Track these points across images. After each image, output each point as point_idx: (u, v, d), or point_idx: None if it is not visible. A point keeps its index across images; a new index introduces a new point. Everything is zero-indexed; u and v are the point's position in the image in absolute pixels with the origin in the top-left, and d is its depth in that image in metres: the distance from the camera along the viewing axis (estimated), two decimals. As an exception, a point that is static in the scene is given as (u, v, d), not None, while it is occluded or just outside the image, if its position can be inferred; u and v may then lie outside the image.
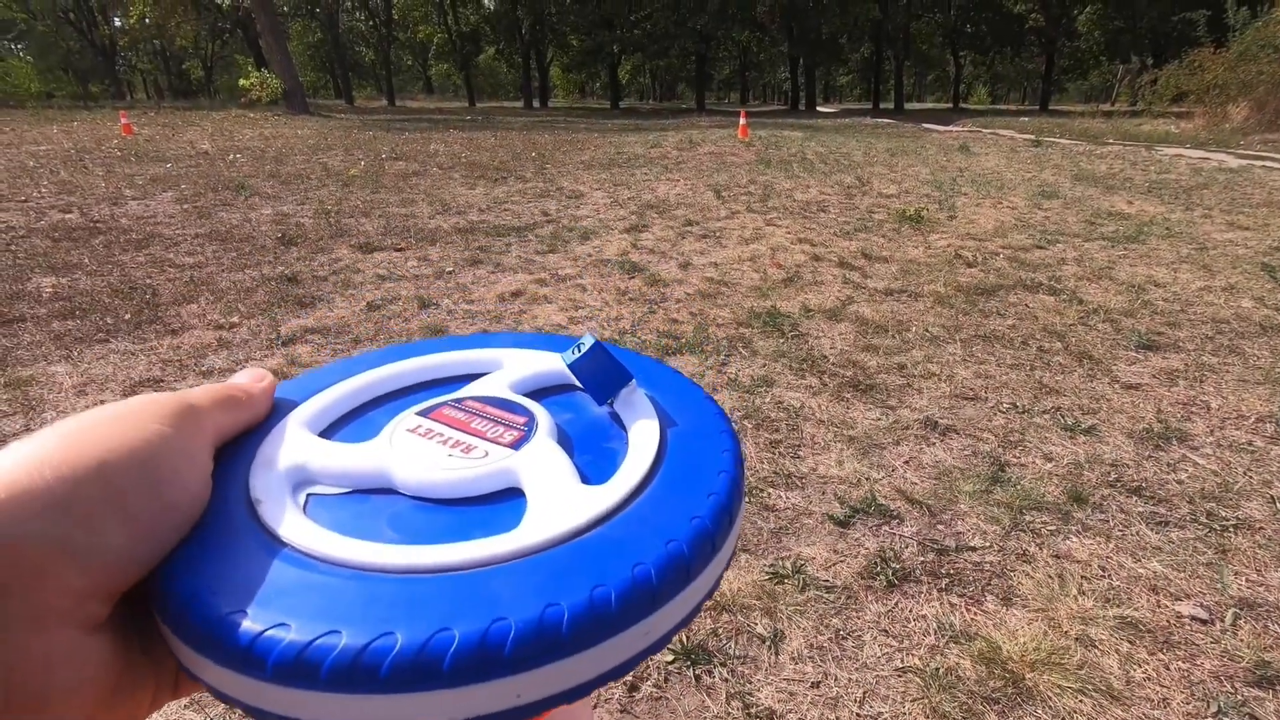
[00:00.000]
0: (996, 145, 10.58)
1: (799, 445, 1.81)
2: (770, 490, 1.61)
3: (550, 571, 0.20)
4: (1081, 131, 13.13)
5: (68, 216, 4.60)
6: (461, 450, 0.26)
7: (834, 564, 1.36)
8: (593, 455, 0.29)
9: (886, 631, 1.18)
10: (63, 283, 3.23)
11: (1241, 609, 1.23)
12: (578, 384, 0.33)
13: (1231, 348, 2.45)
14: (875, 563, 1.35)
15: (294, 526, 0.23)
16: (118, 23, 38.35)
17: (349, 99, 39.91)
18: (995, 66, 42.17)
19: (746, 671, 1.10)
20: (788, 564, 1.34)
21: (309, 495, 0.25)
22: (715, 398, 1.80)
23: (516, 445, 0.27)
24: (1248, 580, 1.31)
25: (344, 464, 0.26)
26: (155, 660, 0.21)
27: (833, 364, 2.33)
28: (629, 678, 1.07)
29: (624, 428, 0.30)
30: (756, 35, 35.26)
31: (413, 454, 0.26)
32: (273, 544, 0.22)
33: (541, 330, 2.02)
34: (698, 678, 1.09)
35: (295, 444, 0.27)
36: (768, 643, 1.15)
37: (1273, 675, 1.09)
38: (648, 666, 1.10)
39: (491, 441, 0.27)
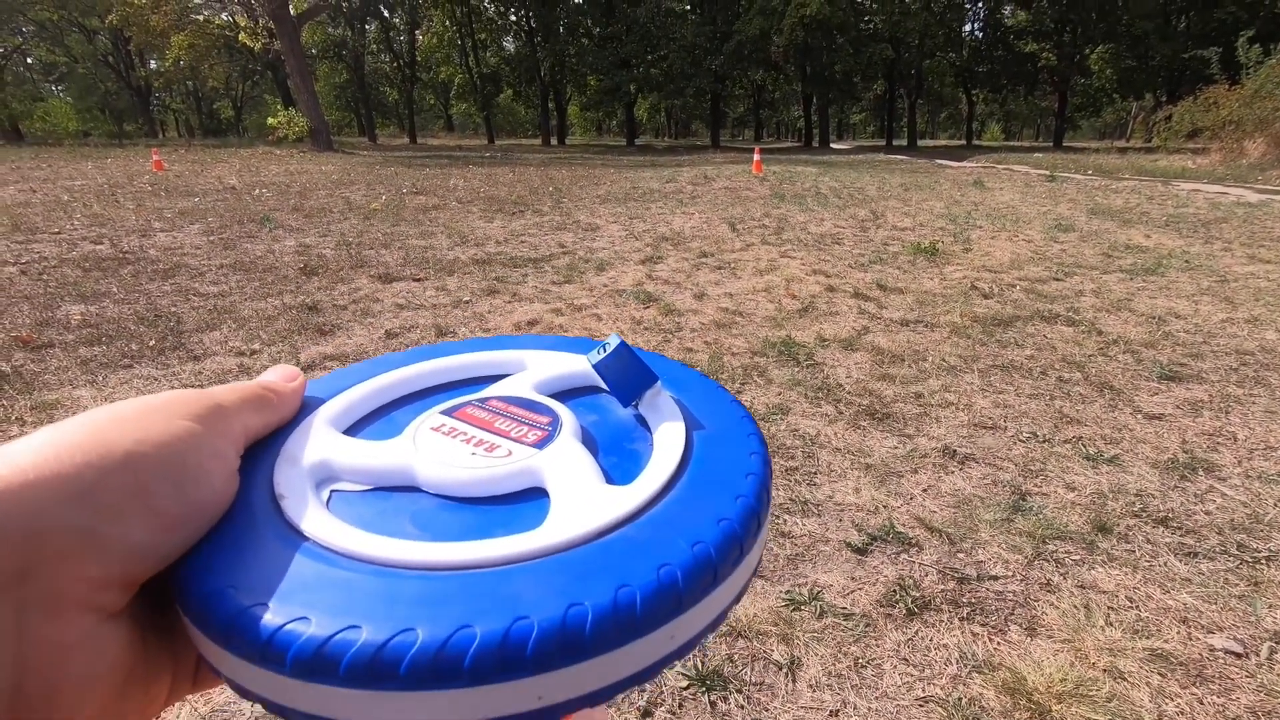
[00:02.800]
0: (1011, 180, 10.61)
1: (815, 473, 1.79)
2: (786, 517, 1.59)
3: (574, 572, 0.20)
4: (1096, 167, 13.15)
5: (98, 248, 4.74)
6: (485, 449, 0.27)
7: (852, 591, 1.33)
8: (617, 456, 0.29)
9: (907, 660, 1.15)
10: (91, 310, 3.30)
11: (1278, 642, 1.19)
12: (602, 385, 0.33)
13: (1257, 379, 2.41)
14: (894, 590, 1.32)
15: (316, 522, 0.23)
16: (153, 65, 39.93)
17: (372, 137, 41.06)
18: (1008, 104, 42.54)
19: (763, 699, 1.07)
20: (804, 591, 1.32)
21: (332, 491, 0.25)
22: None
23: (540, 445, 0.27)
24: (1283, 613, 1.27)
25: (367, 461, 0.26)
26: (173, 652, 0.21)
27: (849, 392, 2.31)
28: (643, 701, 1.04)
29: (649, 429, 0.30)
30: (771, 74, 35.90)
31: (436, 452, 0.26)
32: (295, 538, 0.22)
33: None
34: (713, 704, 1.06)
35: (319, 441, 0.27)
36: (784, 670, 1.12)
37: (1313, 712, 1.04)
38: (662, 691, 1.08)
39: (515, 441, 0.27)
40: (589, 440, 0.29)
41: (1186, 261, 4.29)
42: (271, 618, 0.18)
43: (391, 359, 0.35)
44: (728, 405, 0.31)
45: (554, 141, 37.79)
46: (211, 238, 5.19)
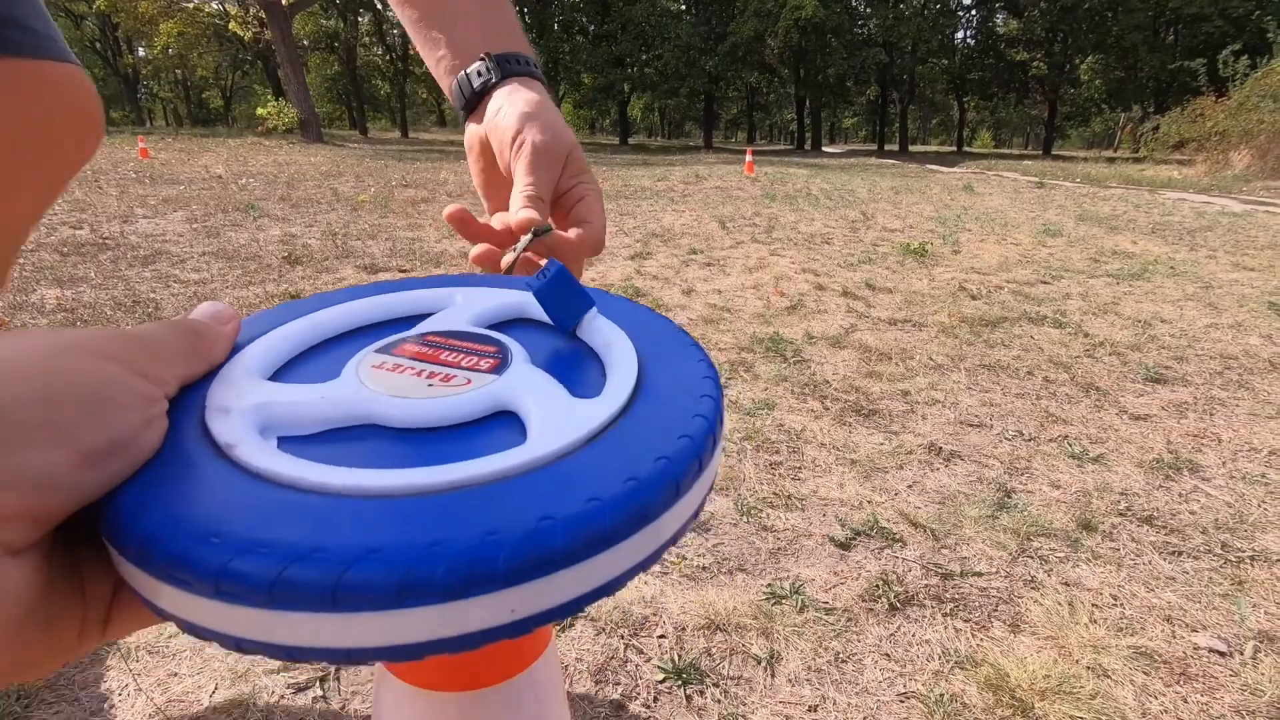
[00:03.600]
0: (1000, 186, 10.68)
1: (800, 468, 1.77)
2: (769, 511, 1.57)
3: (545, 487, 0.20)
4: (1085, 175, 13.27)
5: (78, 233, 4.65)
6: (441, 380, 0.26)
7: (834, 586, 1.31)
8: (575, 376, 0.28)
9: (888, 655, 1.13)
10: (67, 295, 3.23)
11: (1262, 642, 1.18)
12: (537, 318, 0.33)
13: (1241, 382, 2.41)
14: (877, 585, 1.30)
15: (266, 460, 0.21)
16: (141, 52, 39.47)
17: (363, 130, 40.74)
18: (999, 112, 42.89)
19: (740, 693, 1.04)
20: (786, 585, 1.29)
21: (280, 439, 0.24)
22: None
23: (497, 371, 0.26)
24: (1267, 613, 1.26)
25: (311, 404, 0.25)
26: (83, 596, 0.20)
27: (835, 389, 2.30)
28: (617, 694, 1.01)
29: (596, 353, 0.30)
30: (765, 76, 35.97)
31: (389, 386, 0.25)
32: (245, 476, 0.20)
33: None
34: (689, 698, 1.04)
35: (252, 388, 0.25)
36: (763, 664, 1.10)
37: (1296, 711, 1.03)
38: (637, 684, 1.05)
39: (470, 370, 0.26)
40: (543, 363, 0.28)
41: (1172, 268, 4.32)
42: (227, 548, 0.17)
43: (317, 299, 0.33)
44: (663, 324, 0.31)
45: (547, 139, 37.59)
46: (195, 225, 5.11)
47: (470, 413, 0.25)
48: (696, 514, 0.24)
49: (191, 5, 25.81)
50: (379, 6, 40.50)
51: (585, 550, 0.19)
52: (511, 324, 0.33)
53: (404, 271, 3.91)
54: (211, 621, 0.18)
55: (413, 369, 0.27)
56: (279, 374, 0.28)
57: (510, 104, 0.45)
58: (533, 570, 0.18)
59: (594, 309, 0.30)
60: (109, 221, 5.10)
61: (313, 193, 7.30)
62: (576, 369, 0.29)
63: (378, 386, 0.25)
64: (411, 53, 42.70)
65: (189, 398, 0.24)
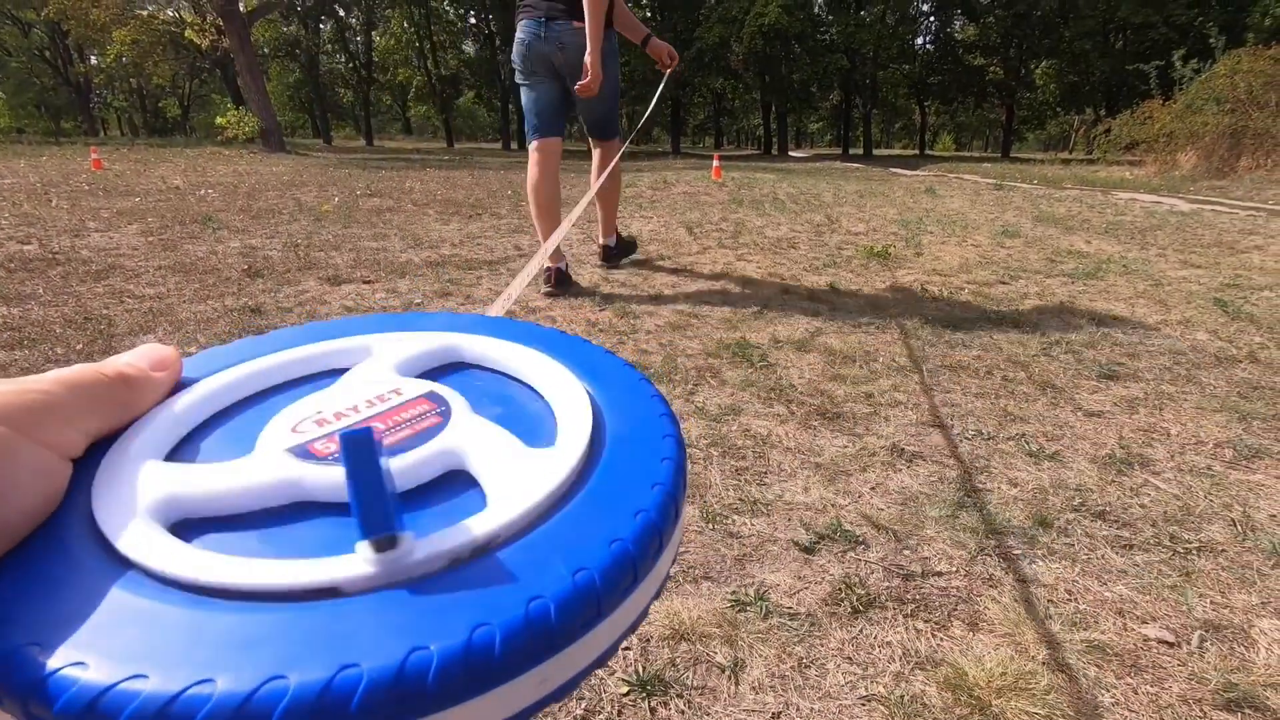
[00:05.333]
0: (961, 188, 10.92)
1: (765, 473, 1.79)
2: (735, 517, 1.58)
3: (420, 606, 0.17)
4: (1041, 177, 13.63)
5: (26, 248, 4.50)
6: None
7: (798, 591, 1.32)
8: (525, 423, 0.25)
9: (850, 659, 1.14)
10: (14, 313, 3.12)
11: (1207, 631, 1.22)
12: (472, 362, 0.30)
13: (1189, 377, 2.50)
14: (840, 589, 1.31)
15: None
16: (94, 61, 38.35)
17: (327, 138, 40.11)
18: (959, 116, 43.87)
19: (704, 702, 1.05)
20: (750, 591, 1.30)
21: (178, 523, 0.21)
22: (683, 426, 1.75)
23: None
24: (1212, 602, 1.30)
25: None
26: None
27: (800, 393, 2.32)
28: (580, 710, 1.01)
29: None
30: (731, 82, 36.31)
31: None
32: (117, 569, 0.18)
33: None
34: (653, 710, 1.03)
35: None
36: (727, 672, 1.10)
37: (1239, 698, 1.07)
38: (600, 698, 1.05)
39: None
40: (487, 413, 0.26)
41: (1124, 266, 4.46)
42: (41, 662, 0.15)
43: (212, 355, 0.30)
44: (613, 363, 0.29)
45: (514, 146, 37.52)
46: (151, 238, 4.98)
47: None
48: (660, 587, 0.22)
49: (146, 13, 25.19)
50: (340, 13, 39.93)
51: (462, 690, 0.16)
52: (446, 370, 0.30)
53: (368, 283, 3.85)
54: None
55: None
56: (181, 449, 0.25)
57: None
58: (399, 713, 0.15)
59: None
60: (59, 235, 4.95)
61: (274, 203, 7.17)
62: (524, 415, 0.27)
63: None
64: (375, 59, 42.23)
65: (95, 459, 0.22)
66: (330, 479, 0.21)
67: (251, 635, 0.16)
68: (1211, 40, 13.63)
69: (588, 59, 2.94)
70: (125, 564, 0.18)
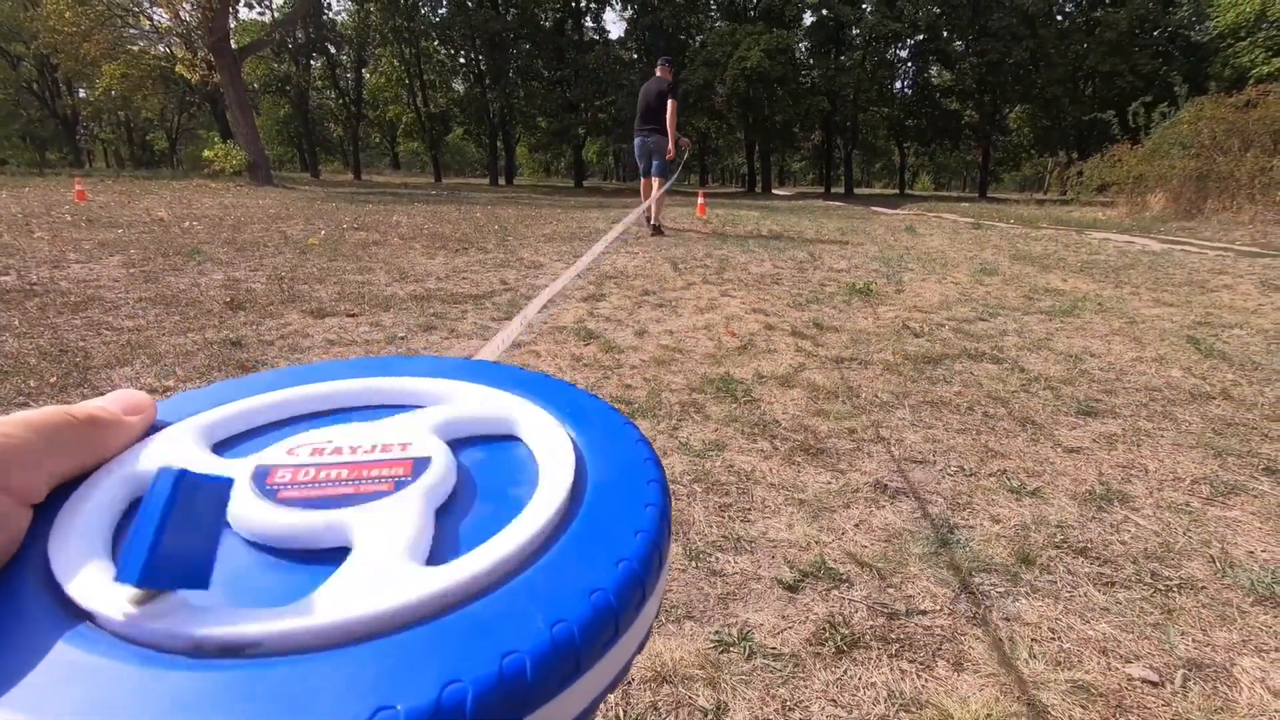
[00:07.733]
0: (940, 227, 11.15)
1: (749, 509, 1.78)
2: (719, 555, 1.56)
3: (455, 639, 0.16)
4: (1018, 216, 13.98)
5: (3, 279, 4.44)
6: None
7: (782, 630, 1.30)
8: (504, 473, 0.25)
9: (835, 701, 1.12)
10: (-13, 344, 3.07)
11: (1190, 670, 1.22)
12: (520, 436, 0.28)
13: (1165, 414, 2.53)
14: (824, 628, 1.30)
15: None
16: (82, 93, 38.49)
17: (315, 172, 40.32)
18: (937, 157, 45.04)
19: (688, 748, 1.02)
20: (734, 631, 1.28)
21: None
22: (665, 461, 1.74)
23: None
24: (1194, 640, 1.30)
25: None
26: None
27: (784, 428, 2.32)
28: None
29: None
30: (715, 121, 37.12)
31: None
32: (58, 616, 0.17)
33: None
34: (635, 756, 1.01)
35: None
36: (710, 716, 1.08)
37: (1224, 739, 1.06)
38: (580, 744, 1.02)
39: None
40: (451, 501, 0.24)
41: (1100, 304, 4.55)
42: None
43: (188, 397, 0.30)
44: (604, 412, 0.28)
45: (502, 181, 37.92)
46: (132, 270, 4.94)
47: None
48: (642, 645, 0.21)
49: (137, 48, 25.38)
50: (332, 50, 40.51)
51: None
52: (484, 440, 0.29)
53: (351, 316, 3.84)
54: None
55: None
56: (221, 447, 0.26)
57: None
58: None
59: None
60: (38, 266, 4.90)
61: (260, 236, 7.16)
62: (504, 463, 0.26)
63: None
64: (365, 96, 42.73)
65: (57, 503, 0.21)
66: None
67: (204, 694, 0.15)
68: (1176, 88, 14.19)
69: (669, 145, 7.70)
70: (79, 615, 0.17)
